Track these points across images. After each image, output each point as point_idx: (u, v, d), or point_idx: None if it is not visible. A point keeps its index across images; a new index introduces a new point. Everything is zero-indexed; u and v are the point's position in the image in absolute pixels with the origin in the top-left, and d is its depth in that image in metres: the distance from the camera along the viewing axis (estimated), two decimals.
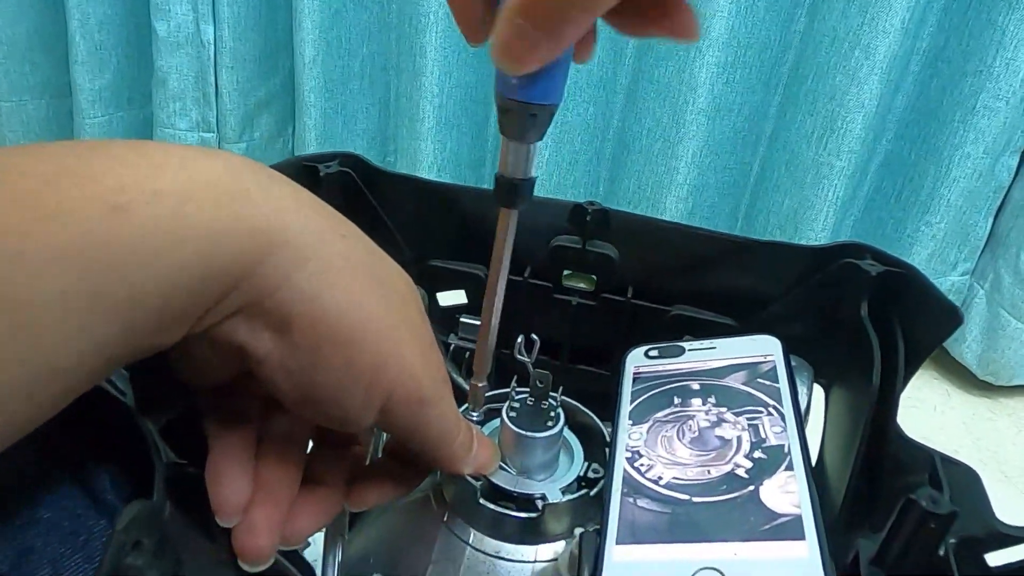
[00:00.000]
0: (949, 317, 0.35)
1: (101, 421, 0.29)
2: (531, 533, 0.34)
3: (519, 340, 0.36)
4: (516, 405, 0.36)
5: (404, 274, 0.28)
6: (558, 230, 0.46)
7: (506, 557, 0.34)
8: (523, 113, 0.24)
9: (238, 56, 1.00)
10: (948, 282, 1.01)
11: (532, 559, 0.34)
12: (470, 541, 0.34)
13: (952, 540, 0.31)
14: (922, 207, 0.94)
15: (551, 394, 0.36)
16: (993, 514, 0.30)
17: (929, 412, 1.05)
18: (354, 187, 0.45)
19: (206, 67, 1.01)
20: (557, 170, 0.97)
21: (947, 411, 1.06)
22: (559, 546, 0.34)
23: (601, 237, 0.46)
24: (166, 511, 0.24)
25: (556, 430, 0.35)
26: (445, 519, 0.35)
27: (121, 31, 1.04)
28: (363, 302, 0.25)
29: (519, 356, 0.36)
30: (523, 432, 0.34)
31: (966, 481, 0.32)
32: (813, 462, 0.42)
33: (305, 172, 0.44)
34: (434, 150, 0.97)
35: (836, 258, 0.40)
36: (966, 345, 1.06)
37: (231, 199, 0.22)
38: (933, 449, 0.34)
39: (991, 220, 0.98)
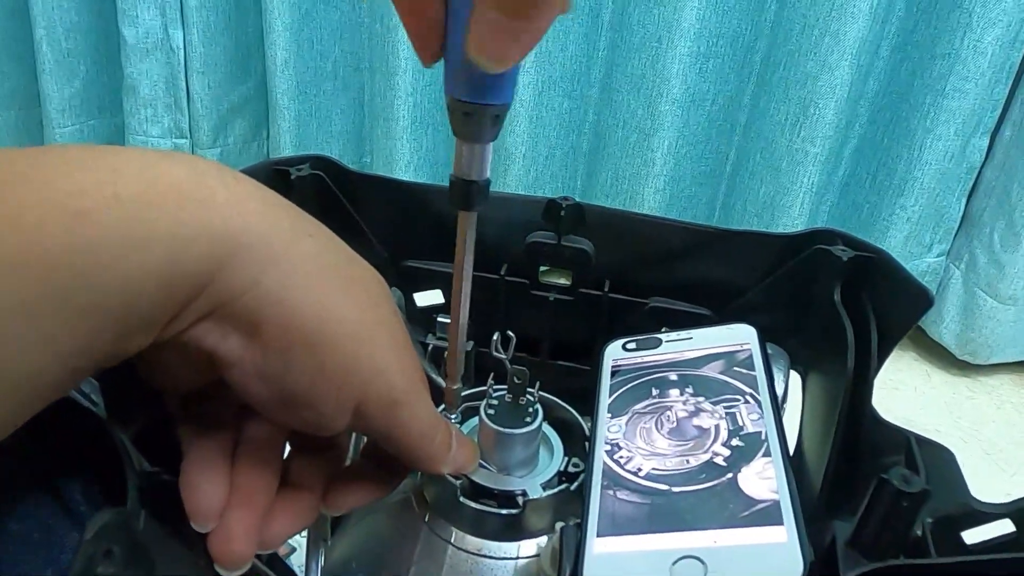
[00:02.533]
0: (920, 299, 0.35)
1: (71, 430, 0.28)
2: (513, 530, 0.34)
3: (495, 337, 0.36)
4: (494, 403, 0.36)
5: (376, 274, 0.28)
6: (533, 226, 0.46)
7: (488, 555, 0.34)
8: (476, 114, 0.24)
9: (209, 61, 0.99)
10: (924, 264, 1.02)
11: (515, 556, 0.34)
12: (452, 540, 0.34)
13: (928, 519, 0.31)
14: (896, 190, 0.95)
15: (529, 390, 0.36)
16: (968, 492, 0.31)
17: (910, 393, 1.06)
18: (327, 190, 0.45)
19: (176, 73, 1.00)
20: (534, 165, 0.97)
21: (928, 391, 1.08)
22: (541, 541, 0.34)
23: (576, 232, 0.46)
24: (140, 519, 0.24)
25: (535, 426, 0.35)
26: (426, 519, 0.35)
27: (89, 38, 1.02)
28: (333, 303, 0.24)
29: (496, 353, 0.36)
30: (502, 429, 0.34)
31: (941, 460, 0.33)
32: (792, 449, 0.42)
33: (276, 176, 0.43)
34: (410, 149, 0.96)
35: (808, 245, 0.40)
36: (944, 326, 1.08)
37: (194, 202, 0.22)
38: (908, 430, 0.34)
39: (964, 201, 1.00)
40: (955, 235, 1.03)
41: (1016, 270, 0.98)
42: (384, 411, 0.26)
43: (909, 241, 0.99)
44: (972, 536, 0.30)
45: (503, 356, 0.36)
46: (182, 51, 0.98)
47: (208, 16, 0.98)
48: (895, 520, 0.24)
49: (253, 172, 0.42)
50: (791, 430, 0.42)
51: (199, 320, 0.23)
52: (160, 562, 0.24)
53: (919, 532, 0.31)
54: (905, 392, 1.06)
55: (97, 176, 0.20)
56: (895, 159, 0.95)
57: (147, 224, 0.20)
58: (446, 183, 0.28)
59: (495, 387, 0.36)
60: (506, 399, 0.36)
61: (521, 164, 0.95)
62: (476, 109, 0.23)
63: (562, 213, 0.45)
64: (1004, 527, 0.29)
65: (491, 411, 0.35)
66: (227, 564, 0.26)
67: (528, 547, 0.34)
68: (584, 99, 0.97)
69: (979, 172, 0.98)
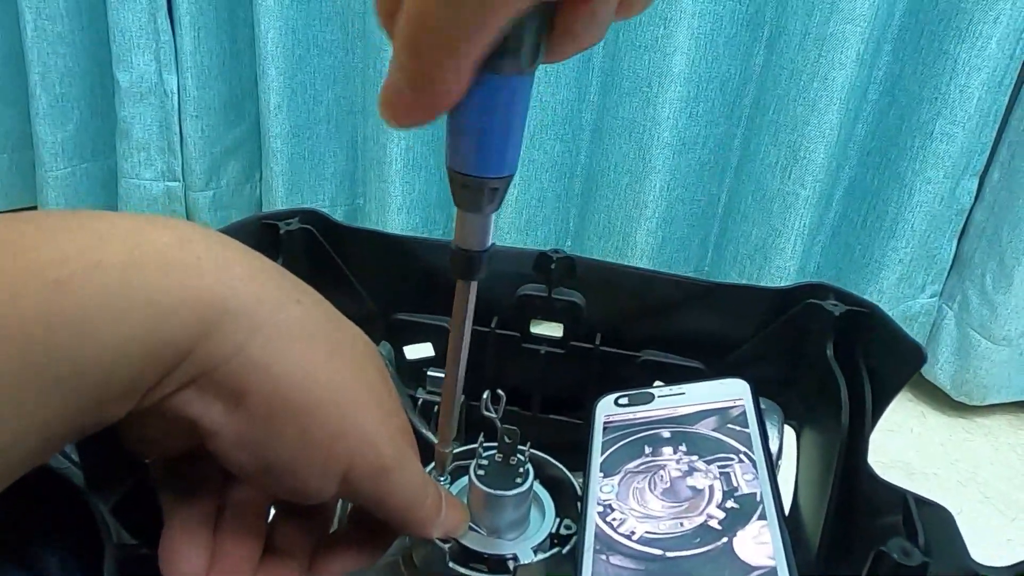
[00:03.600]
0: (913, 356, 0.35)
1: (47, 500, 0.28)
2: None
3: (485, 395, 0.35)
4: (484, 463, 0.35)
5: (364, 337, 0.28)
6: (524, 279, 0.46)
7: None
8: (473, 186, 0.23)
9: (202, 105, 1.00)
10: (917, 305, 1.03)
11: None
12: None
13: None
14: (887, 232, 0.96)
15: (519, 449, 0.35)
16: (968, 555, 0.30)
17: (906, 435, 1.06)
18: (316, 244, 0.45)
19: (170, 117, 1.00)
20: (526, 208, 0.97)
21: (924, 433, 1.07)
22: None
23: (567, 285, 0.46)
24: None
25: (525, 487, 0.34)
26: None
27: (83, 83, 1.03)
28: (318, 370, 0.24)
29: (486, 412, 0.35)
30: (492, 491, 0.33)
31: (940, 521, 0.32)
32: (787, 506, 0.41)
33: (265, 230, 0.43)
34: (403, 192, 0.96)
35: (800, 299, 0.40)
36: (939, 367, 1.07)
37: (179, 269, 0.21)
38: (906, 490, 0.34)
39: (955, 242, 1.00)
40: (947, 276, 1.03)
41: (1008, 311, 0.98)
42: (372, 479, 0.26)
43: (901, 283, 0.99)
44: None
45: (493, 415, 0.35)
46: (176, 96, 0.99)
47: (202, 61, 0.99)
48: None
49: (242, 227, 0.42)
50: (786, 486, 0.41)
51: (181, 388, 0.22)
52: None
53: None
54: (901, 433, 1.06)
55: (81, 243, 0.20)
56: (885, 201, 0.95)
57: (130, 291, 0.20)
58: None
59: (485, 445, 0.35)
60: (496, 459, 0.35)
61: (513, 208, 0.96)
62: (474, 182, 0.23)
63: (553, 266, 0.45)
64: None
65: (481, 472, 0.34)
66: None
67: None
68: (576, 142, 0.98)
69: (969, 214, 0.98)
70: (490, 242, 0.26)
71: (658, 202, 0.94)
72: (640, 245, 0.95)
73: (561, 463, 0.39)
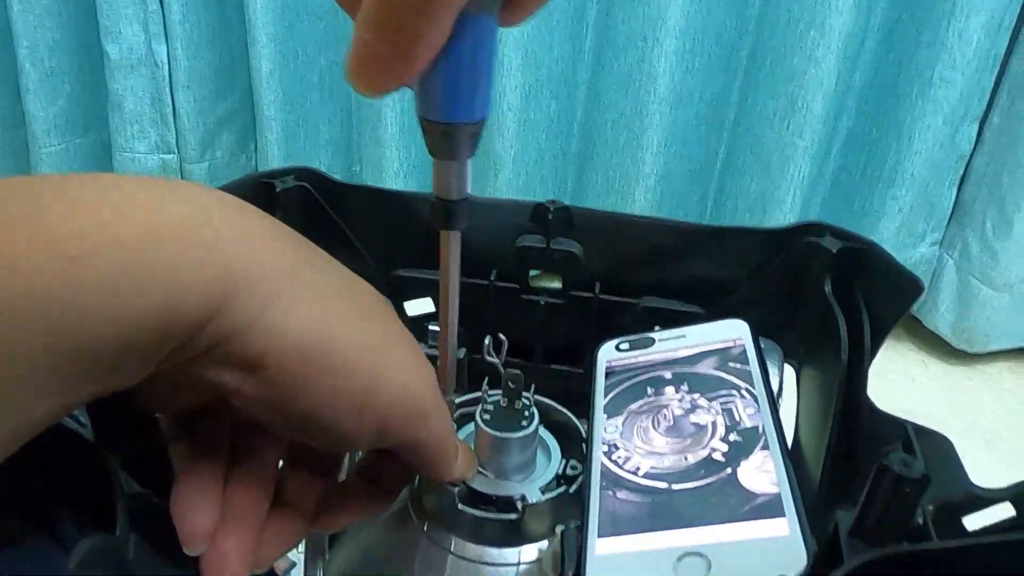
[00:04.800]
0: (910, 287, 0.35)
1: (60, 457, 0.28)
2: (513, 535, 0.34)
3: (487, 341, 0.36)
4: (489, 407, 0.35)
5: (375, 291, 0.28)
6: (521, 230, 0.46)
7: (489, 561, 0.33)
8: (451, 134, 0.23)
9: (194, 75, 0.99)
10: (917, 254, 1.03)
11: (516, 561, 0.33)
12: (452, 549, 0.34)
13: (929, 507, 0.31)
14: (887, 181, 0.96)
15: (524, 393, 0.35)
16: (968, 478, 0.31)
17: (908, 384, 1.06)
18: (312, 202, 0.44)
19: (162, 88, 0.99)
20: (524, 169, 0.96)
21: (925, 381, 1.08)
22: (542, 546, 0.34)
23: (565, 235, 0.46)
24: (130, 545, 0.24)
25: (531, 429, 0.34)
26: (425, 528, 0.35)
27: (72, 56, 1.02)
28: (341, 330, 0.24)
29: (488, 357, 0.36)
30: (498, 434, 0.34)
31: (939, 448, 0.32)
32: (789, 442, 0.42)
33: (261, 189, 0.43)
34: (399, 156, 0.96)
35: (797, 238, 0.40)
36: (939, 315, 1.08)
37: (198, 243, 0.21)
38: (905, 419, 0.34)
39: (955, 190, 1.00)
40: (947, 224, 1.03)
41: (1009, 257, 0.98)
42: (411, 426, 0.26)
43: (901, 231, 0.99)
44: (973, 522, 0.30)
45: (495, 360, 0.36)
46: (166, 66, 0.98)
47: (192, 30, 0.98)
48: (897, 506, 0.23)
49: (238, 186, 0.42)
50: (788, 424, 0.42)
51: (198, 355, 0.22)
52: None
53: (920, 520, 0.31)
54: (902, 383, 1.06)
55: (99, 216, 0.20)
56: (884, 150, 0.95)
57: (148, 267, 0.20)
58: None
59: (489, 392, 0.36)
60: (501, 404, 0.35)
61: (511, 168, 0.95)
62: (451, 129, 0.23)
63: (550, 216, 0.45)
64: (1005, 511, 0.29)
65: (487, 416, 0.35)
66: None
67: (529, 552, 0.34)
68: (572, 101, 0.97)
69: (969, 160, 0.98)
70: (468, 190, 0.26)
71: (656, 158, 0.93)
72: (639, 202, 0.95)
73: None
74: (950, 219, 1.02)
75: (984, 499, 0.29)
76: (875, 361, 0.37)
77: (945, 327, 1.08)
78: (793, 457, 0.41)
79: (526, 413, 0.35)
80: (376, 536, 0.37)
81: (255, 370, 0.23)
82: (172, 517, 0.26)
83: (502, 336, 0.36)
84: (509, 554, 0.33)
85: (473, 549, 0.34)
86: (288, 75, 0.98)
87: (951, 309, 1.07)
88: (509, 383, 0.35)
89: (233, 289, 0.21)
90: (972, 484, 0.30)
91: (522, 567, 0.33)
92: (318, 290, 0.24)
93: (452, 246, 0.28)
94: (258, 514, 0.27)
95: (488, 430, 0.34)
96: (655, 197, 0.95)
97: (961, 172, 0.98)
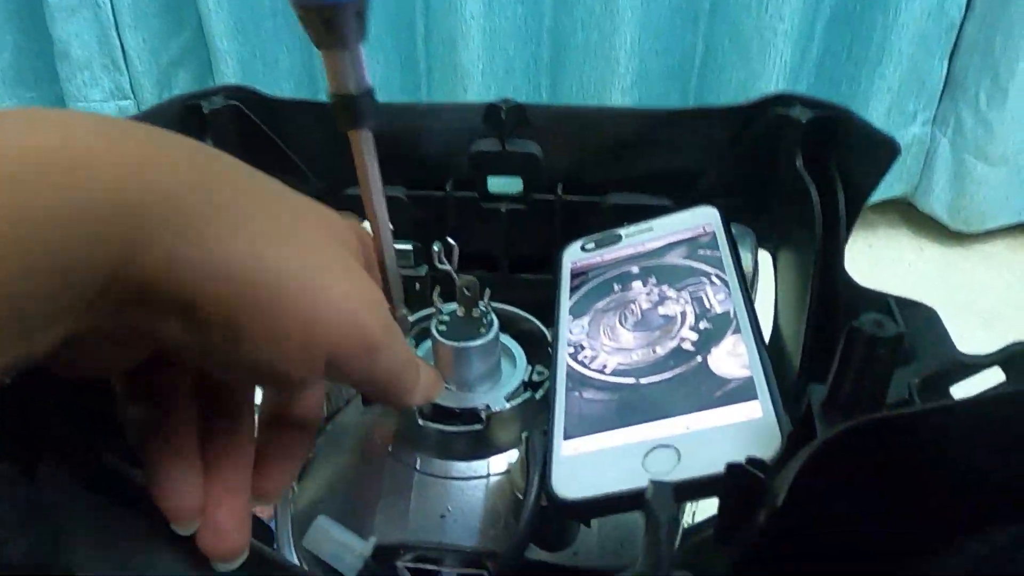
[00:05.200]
0: (886, 149, 0.32)
1: None
2: (480, 447, 0.32)
3: (436, 248, 0.33)
4: (445, 319, 0.33)
5: (320, 209, 0.25)
6: (475, 135, 0.43)
7: (457, 476, 0.32)
8: (336, 17, 0.20)
9: (139, 12, 0.94)
10: (909, 134, 0.99)
11: (485, 474, 0.32)
12: (417, 466, 0.32)
13: (915, 379, 0.29)
14: (874, 60, 0.91)
15: (481, 301, 0.33)
16: (954, 347, 0.29)
17: (904, 269, 1.04)
18: (247, 122, 0.41)
19: (107, 29, 0.94)
20: (494, 80, 0.92)
21: (922, 265, 1.06)
22: (512, 455, 0.32)
23: (521, 135, 0.43)
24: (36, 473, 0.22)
25: (491, 336, 0.32)
26: (390, 449, 0.33)
27: (9, 5, 0.96)
28: (271, 256, 0.21)
29: (439, 264, 0.33)
30: (456, 344, 0.32)
31: (923, 319, 0.31)
32: (768, 330, 0.40)
33: (187, 113, 0.40)
34: None
35: (764, 112, 0.37)
36: (934, 196, 1.05)
37: (70, 177, 0.18)
38: (887, 293, 0.32)
39: (946, 62, 0.95)
40: (939, 100, 0.99)
41: (1005, 128, 0.94)
42: (361, 358, 0.24)
43: (892, 112, 0.96)
44: (961, 390, 0.29)
45: (447, 267, 0.33)
46: (109, 5, 0.93)
47: None
48: (871, 371, 0.21)
49: (160, 112, 0.39)
50: (767, 312, 0.40)
51: (120, 307, 0.20)
52: (72, 522, 0.22)
53: (906, 394, 0.30)
54: (898, 269, 1.04)
55: None
56: (870, 26, 0.90)
57: (18, 213, 0.17)
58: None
59: (445, 304, 0.34)
60: (458, 313, 0.34)
61: (479, 81, 0.91)
62: (335, 11, 0.20)
63: (503, 116, 0.42)
64: (995, 377, 0.27)
65: (443, 327, 0.33)
66: (227, 559, 0.24)
67: (498, 463, 0.32)
68: (538, 4, 0.92)
69: (960, 29, 0.93)
70: (368, 80, 0.23)
71: (630, 57, 0.89)
72: (616, 105, 0.91)
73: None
74: (942, 94, 0.98)
75: (972, 366, 0.28)
76: (869, 249, 0.35)
77: (941, 209, 1.05)
78: (773, 345, 0.40)
79: (484, 320, 0.33)
80: (342, 461, 0.35)
81: (186, 313, 0.20)
82: (152, 496, 0.24)
83: (451, 240, 0.33)
84: (478, 466, 0.32)
85: (440, 465, 0.32)
86: (238, 3, 0.93)
87: (946, 189, 1.04)
88: (464, 290, 0.33)
89: (132, 224, 0.19)
90: (959, 353, 0.28)
91: (492, 479, 0.32)
92: (240, 212, 0.21)
93: (365, 147, 0.25)
94: (245, 472, 0.26)
95: (445, 341, 0.32)
96: (632, 100, 0.91)
97: (952, 42, 0.93)
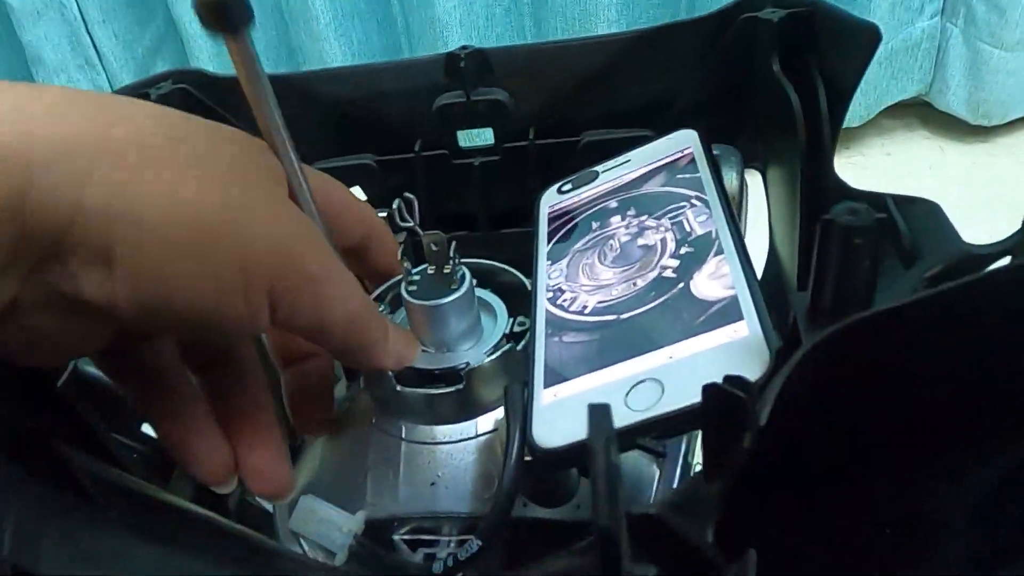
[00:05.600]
0: (866, 36, 0.29)
1: None
2: (465, 407, 0.31)
3: (395, 204, 0.31)
4: (415, 278, 0.32)
5: (234, 137, 0.24)
6: (439, 89, 0.41)
7: (444, 440, 0.31)
8: None
9: (107, 7, 0.92)
10: (918, 30, 0.94)
11: (472, 435, 0.31)
12: (403, 435, 0.31)
13: (924, 277, 0.27)
14: None
15: (451, 256, 0.32)
16: (960, 239, 0.27)
17: (925, 172, 1.00)
18: (198, 104, 0.40)
19: (77, 29, 0.92)
20: (474, 30, 0.89)
21: (944, 168, 1.01)
22: (499, 413, 0.31)
23: (486, 83, 0.40)
24: None
25: (463, 291, 0.31)
26: (374, 421, 0.32)
27: None
28: (188, 192, 0.20)
29: (401, 222, 0.32)
30: (427, 303, 0.30)
31: (925, 215, 0.28)
32: (763, 250, 0.38)
33: None
34: (340, 47, 0.89)
35: (733, 18, 0.35)
36: (951, 92, 1.00)
37: None
38: (883, 192, 0.30)
39: None
40: None
41: (1018, 9, 0.89)
42: (301, 293, 0.23)
43: (897, 8, 0.90)
44: None
45: (410, 223, 0.32)
46: (75, 4, 0.91)
47: None
48: (852, 266, 0.19)
49: None
50: (761, 233, 0.38)
51: (41, 267, 0.19)
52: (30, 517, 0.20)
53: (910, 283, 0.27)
54: (920, 175, 1.00)
55: None
56: None
57: None
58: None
59: (415, 268, 0.32)
60: (428, 271, 0.32)
61: (459, 32, 0.88)
62: None
63: (462, 65, 0.39)
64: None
65: (413, 288, 0.31)
66: (279, 497, 0.27)
67: (486, 423, 0.31)
68: None
69: None
70: None
71: None
72: None
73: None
74: None
75: (981, 257, 0.26)
76: (887, 157, 0.32)
77: (959, 104, 1.00)
78: (770, 264, 0.37)
79: (456, 276, 0.31)
80: (331, 441, 0.34)
81: (105, 262, 0.19)
82: (183, 468, 0.25)
83: (409, 195, 0.32)
84: (464, 428, 0.31)
85: (425, 431, 0.31)
86: None
87: (962, 84, 0.98)
88: (432, 246, 0.32)
89: (25, 175, 0.18)
90: (968, 244, 0.26)
91: (481, 439, 0.31)
92: (142, 151, 0.20)
93: (242, 52, 0.23)
94: (265, 415, 0.27)
95: (415, 301, 0.31)
96: (620, 30, 0.87)
97: None
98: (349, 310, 0.25)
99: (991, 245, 0.25)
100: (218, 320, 0.21)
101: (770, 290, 0.27)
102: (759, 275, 0.27)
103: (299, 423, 0.31)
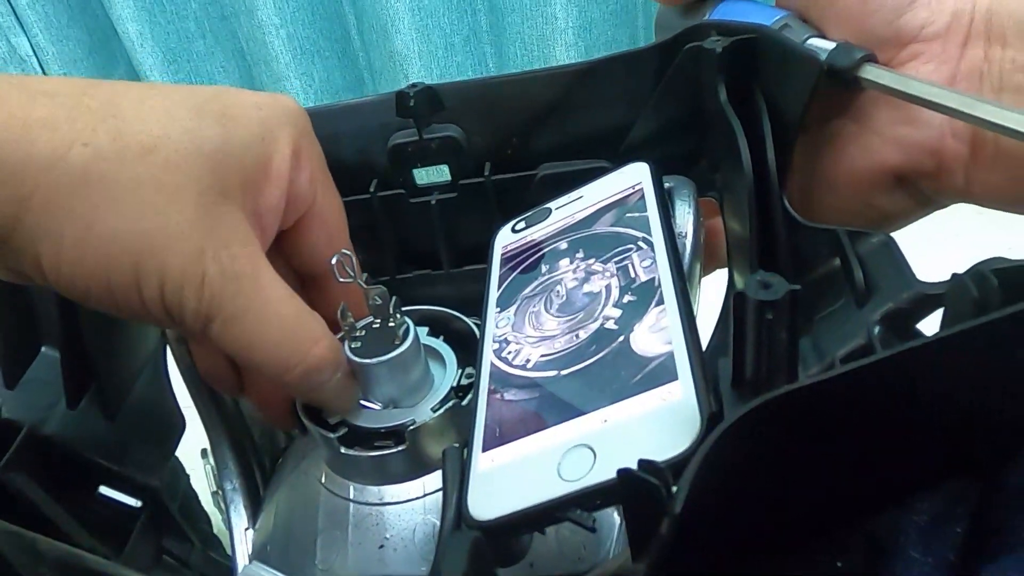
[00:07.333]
0: (808, 67, 0.29)
1: None
2: (411, 466, 0.30)
3: (333, 260, 0.30)
4: (360, 334, 0.31)
5: (215, 135, 0.26)
6: (391, 128, 0.40)
7: (392, 500, 0.29)
8: None
9: (65, 59, 0.91)
10: None
11: (421, 494, 0.29)
12: (351, 496, 0.30)
13: (875, 319, 0.26)
14: None
15: (392, 313, 0.30)
16: (915, 278, 0.26)
17: None
18: None
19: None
20: (433, 62, 0.88)
21: None
22: None
23: (438, 120, 0.40)
24: None
25: (404, 347, 0.30)
26: (322, 481, 0.31)
27: None
28: (99, 228, 0.24)
29: (341, 280, 0.30)
30: (365, 361, 0.29)
31: (880, 250, 0.28)
32: (719, 294, 0.37)
33: None
34: (303, 85, 0.88)
35: (679, 47, 0.34)
36: None
37: None
38: (835, 228, 0.29)
39: None
40: None
41: None
42: (225, 287, 0.25)
43: None
44: (929, 327, 0.25)
45: (352, 279, 0.31)
46: (34, 57, 0.90)
47: (48, 12, 0.89)
48: (768, 340, 0.18)
49: None
50: (720, 271, 0.37)
51: None
52: None
53: (866, 339, 0.27)
54: None
55: None
56: None
57: None
58: None
59: (358, 323, 0.31)
60: (374, 326, 0.31)
61: (419, 64, 0.87)
62: None
63: (411, 103, 0.39)
64: None
65: (356, 344, 0.30)
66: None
67: (433, 481, 0.30)
68: None
69: None
70: None
71: (568, 9, 0.84)
72: (562, 62, 0.87)
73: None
74: None
75: (933, 297, 0.25)
76: None
77: None
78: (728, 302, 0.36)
79: (399, 331, 0.30)
80: (283, 497, 0.33)
81: (39, 263, 0.23)
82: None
83: (347, 251, 0.30)
84: (412, 488, 0.30)
85: (373, 492, 0.30)
86: (161, 32, 0.90)
87: None
88: (375, 299, 0.30)
89: None
90: (920, 283, 0.25)
91: (429, 498, 0.29)
92: (79, 186, 0.23)
93: None
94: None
95: (356, 358, 0.30)
96: (578, 53, 0.87)
97: None
98: (277, 313, 0.27)
99: (940, 284, 0.24)
100: (124, 311, 0.25)
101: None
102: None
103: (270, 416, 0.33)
